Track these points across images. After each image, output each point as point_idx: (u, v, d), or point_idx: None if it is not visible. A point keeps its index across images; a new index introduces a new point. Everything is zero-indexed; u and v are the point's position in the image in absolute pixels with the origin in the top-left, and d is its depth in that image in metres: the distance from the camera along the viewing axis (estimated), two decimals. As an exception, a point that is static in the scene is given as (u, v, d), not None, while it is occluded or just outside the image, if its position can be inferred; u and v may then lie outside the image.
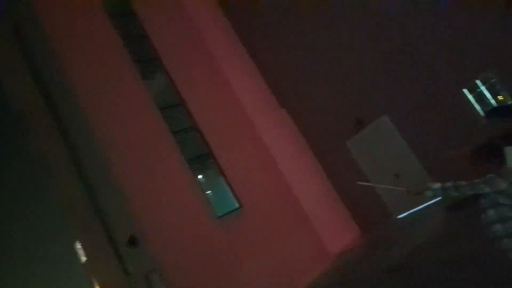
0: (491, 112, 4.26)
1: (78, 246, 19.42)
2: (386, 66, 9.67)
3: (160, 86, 11.50)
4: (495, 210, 2.47)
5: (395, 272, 6.46)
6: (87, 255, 18.28)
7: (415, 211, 9.93)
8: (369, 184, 3.46)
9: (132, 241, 9.64)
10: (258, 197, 10.70)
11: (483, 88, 8.59)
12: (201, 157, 10.88)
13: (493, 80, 8.40)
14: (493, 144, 2.62)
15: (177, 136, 10.67)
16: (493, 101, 8.51)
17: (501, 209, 2.44)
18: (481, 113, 8.57)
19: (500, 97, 8.40)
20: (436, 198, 2.56)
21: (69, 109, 11.50)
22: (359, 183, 4.76)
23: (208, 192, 10.64)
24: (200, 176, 10.80)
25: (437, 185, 2.60)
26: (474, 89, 8.74)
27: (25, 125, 17.49)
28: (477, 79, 8.56)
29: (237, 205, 10.42)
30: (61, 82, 10.84)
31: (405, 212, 10.26)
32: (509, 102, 8.03)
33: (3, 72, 15.36)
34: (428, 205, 9.40)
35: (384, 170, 10.48)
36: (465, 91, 8.76)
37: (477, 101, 8.73)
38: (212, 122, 11.25)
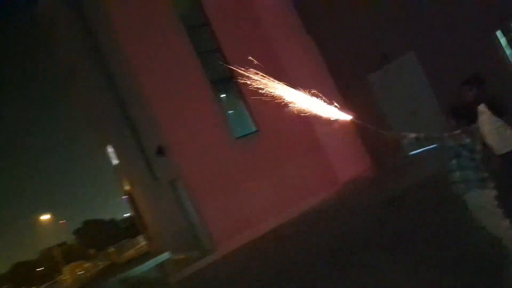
0: None
1: (110, 150, 21.10)
2: (417, 2, 9.28)
3: (188, 5, 11.52)
4: (456, 160, 2.91)
5: (389, 204, 7.17)
6: (118, 158, 19.99)
7: (426, 150, 10.25)
8: (361, 122, 3.75)
9: (160, 151, 10.69)
10: (275, 122, 11.26)
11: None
12: (223, 80, 11.30)
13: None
14: (468, 105, 3.02)
15: (202, 57, 11.01)
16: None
17: (461, 159, 2.88)
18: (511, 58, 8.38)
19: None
20: (411, 145, 2.99)
21: (99, 22, 11.86)
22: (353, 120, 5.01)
23: (229, 113, 11.22)
24: (221, 98, 11.32)
25: (412, 135, 3.02)
26: (507, 33, 8.40)
27: (54, 28, 17.97)
28: (512, 22, 8.19)
29: (254, 129, 11.10)
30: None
31: (417, 150, 10.58)
32: None
33: None
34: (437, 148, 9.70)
35: (402, 106, 10.65)
36: (498, 33, 8.44)
37: (509, 45, 8.45)
38: (235, 44, 11.41)
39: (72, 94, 22.77)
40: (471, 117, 2.97)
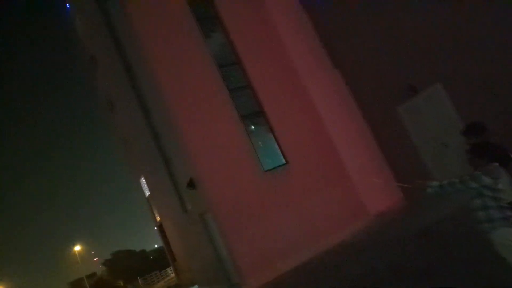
0: None
1: (143, 181, 21.74)
2: (445, 33, 9.41)
3: (219, 45, 12.16)
4: (480, 199, 2.98)
5: (421, 237, 7.04)
6: (150, 190, 20.54)
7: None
8: (405, 185, 3.88)
9: (191, 184, 10.99)
10: (304, 155, 11.41)
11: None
12: (253, 114, 11.67)
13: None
14: (487, 144, 3.08)
15: (233, 93, 11.48)
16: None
17: (484, 199, 2.94)
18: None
19: None
20: (436, 194, 3.02)
21: (137, 58, 12.68)
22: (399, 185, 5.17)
23: (258, 147, 11.47)
24: (251, 132, 11.64)
25: (435, 183, 3.12)
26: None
27: (97, 68, 19.32)
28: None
29: (283, 161, 11.26)
30: (133, 37, 11.90)
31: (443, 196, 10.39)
32: None
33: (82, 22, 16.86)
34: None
35: (433, 138, 10.59)
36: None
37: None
38: (265, 81, 11.85)
39: (110, 127, 23.91)
40: (492, 155, 3.02)
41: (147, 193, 21.63)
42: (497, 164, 2.99)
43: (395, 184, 11.54)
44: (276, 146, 11.39)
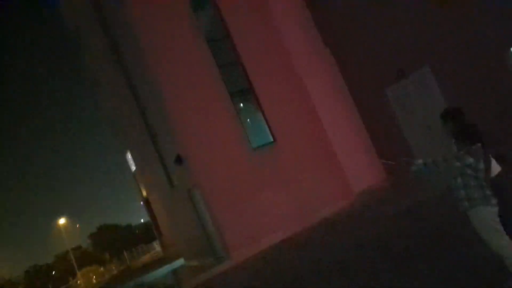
0: None
1: (129, 156, 21.61)
2: (434, 18, 9.45)
3: (209, 19, 11.94)
4: (461, 178, 3.09)
5: (403, 216, 7.27)
6: (137, 165, 20.46)
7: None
8: (389, 162, 3.97)
9: (178, 160, 11.01)
10: (292, 133, 11.49)
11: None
12: (242, 91, 11.62)
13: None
14: (471, 127, 3.19)
15: (222, 69, 11.38)
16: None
17: (465, 178, 3.05)
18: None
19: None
20: (420, 172, 3.10)
21: (123, 34, 12.38)
22: (382, 161, 5.30)
23: (246, 124, 11.49)
24: (239, 109, 11.62)
25: (420, 161, 3.21)
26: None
27: (80, 41, 18.79)
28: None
29: (271, 139, 11.34)
30: (118, 10, 11.57)
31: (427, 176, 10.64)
32: None
33: None
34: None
35: (418, 120, 10.76)
36: (513, 51, 8.52)
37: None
38: (255, 57, 11.75)
39: (97, 101, 23.52)
40: (475, 138, 3.13)
41: (133, 168, 21.57)
42: (480, 144, 3.10)
43: (380, 163, 11.78)
44: (265, 124, 11.43)
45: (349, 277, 5.27)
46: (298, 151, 11.37)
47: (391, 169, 11.62)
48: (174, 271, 14.05)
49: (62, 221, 41.41)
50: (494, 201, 3.04)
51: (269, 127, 11.39)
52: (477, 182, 3.05)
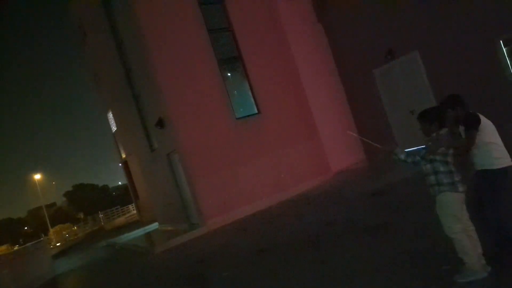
0: None
1: (111, 116, 21.22)
2: (429, 4, 9.39)
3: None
4: (431, 164, 3.19)
5: (374, 196, 7.45)
6: (118, 125, 20.13)
7: (417, 150, 10.55)
8: (356, 135, 4.14)
9: (160, 123, 10.85)
10: (277, 107, 11.44)
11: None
12: (230, 59, 11.40)
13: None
14: (438, 110, 3.29)
15: (212, 34, 11.10)
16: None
17: (435, 164, 3.16)
18: (511, 68, 8.55)
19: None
20: (398, 161, 3.22)
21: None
22: (348, 132, 5.47)
23: (232, 94, 11.35)
24: (226, 78, 11.44)
25: (402, 155, 3.28)
26: (510, 42, 8.55)
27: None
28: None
29: (256, 111, 11.27)
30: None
31: (409, 148, 10.87)
32: None
33: None
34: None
35: (402, 104, 10.86)
36: (501, 42, 8.59)
37: (510, 55, 8.62)
38: (246, 25, 11.49)
39: (82, 55, 22.75)
40: (441, 120, 3.21)
41: (114, 128, 21.23)
42: (446, 129, 3.19)
43: (360, 145, 11.92)
44: (250, 95, 11.32)
45: (318, 249, 5.40)
46: (281, 125, 11.36)
47: (370, 153, 11.79)
48: (148, 234, 14.13)
49: (37, 176, 40.88)
50: (461, 188, 3.15)
51: (254, 98, 11.30)
52: (446, 167, 3.14)
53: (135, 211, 27.10)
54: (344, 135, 11.99)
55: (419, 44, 9.89)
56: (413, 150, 2.82)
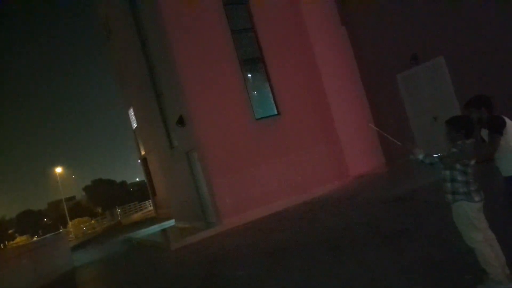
0: None
1: (132, 113, 21.58)
2: (455, 8, 9.21)
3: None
4: (450, 171, 3.13)
5: (394, 202, 7.33)
6: (139, 122, 20.46)
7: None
8: (376, 128, 4.01)
9: (181, 121, 10.98)
10: (297, 109, 11.42)
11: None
12: (252, 60, 11.45)
13: None
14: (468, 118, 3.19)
15: (235, 35, 11.17)
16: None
17: (454, 172, 3.10)
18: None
19: None
20: (416, 160, 3.15)
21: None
22: (369, 125, 5.41)
23: (252, 94, 11.39)
24: (248, 77, 11.48)
25: (421, 155, 3.20)
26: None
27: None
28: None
29: (275, 112, 11.27)
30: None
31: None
32: None
33: None
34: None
35: (424, 109, 10.68)
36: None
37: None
38: (269, 26, 11.52)
39: (106, 52, 23.24)
40: (469, 130, 3.11)
41: (135, 125, 21.58)
42: (474, 140, 3.10)
43: (380, 151, 11.77)
44: (270, 96, 11.33)
45: (335, 253, 5.35)
46: (301, 127, 11.33)
47: (390, 158, 11.63)
48: (164, 231, 14.28)
49: (58, 170, 41.88)
50: (477, 197, 3.07)
51: (274, 99, 11.31)
52: (464, 177, 3.08)
53: (152, 208, 27.45)
54: (364, 140, 11.91)
55: (444, 49, 9.71)
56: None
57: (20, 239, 41.37)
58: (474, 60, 9.09)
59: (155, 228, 15.90)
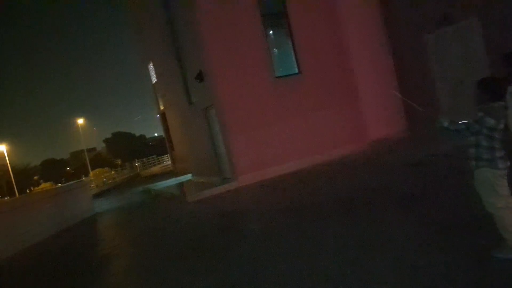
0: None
1: (151, 67, 21.50)
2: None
3: None
4: (475, 137, 3.01)
5: (413, 166, 7.26)
6: (158, 77, 20.43)
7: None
8: (400, 95, 3.92)
9: (200, 76, 10.90)
10: (319, 69, 11.12)
11: None
12: (276, 15, 11.05)
13: None
14: (498, 80, 3.03)
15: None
16: None
17: (480, 137, 2.98)
18: None
19: None
20: (442, 129, 3.04)
21: None
22: (392, 91, 5.20)
23: (273, 51, 11.11)
24: (270, 34, 11.15)
25: (444, 119, 3.09)
26: None
27: None
28: None
29: (296, 71, 11.02)
30: None
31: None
32: None
33: None
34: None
35: (452, 73, 10.27)
36: None
37: None
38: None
39: (124, 6, 22.83)
40: (498, 93, 2.95)
41: (154, 80, 21.58)
42: (503, 103, 2.95)
43: (402, 115, 11.52)
44: (292, 54, 11.03)
45: (349, 213, 5.39)
46: (322, 87, 11.10)
47: (412, 123, 11.38)
48: (181, 184, 14.67)
49: (80, 121, 42.84)
50: (502, 165, 2.97)
51: (296, 58, 11.01)
52: (489, 143, 2.96)
53: (169, 162, 28.06)
54: (386, 103, 11.63)
55: (479, 10, 9.14)
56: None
57: (44, 185, 43.27)
58: (509, 23, 8.56)
59: (173, 181, 16.35)
